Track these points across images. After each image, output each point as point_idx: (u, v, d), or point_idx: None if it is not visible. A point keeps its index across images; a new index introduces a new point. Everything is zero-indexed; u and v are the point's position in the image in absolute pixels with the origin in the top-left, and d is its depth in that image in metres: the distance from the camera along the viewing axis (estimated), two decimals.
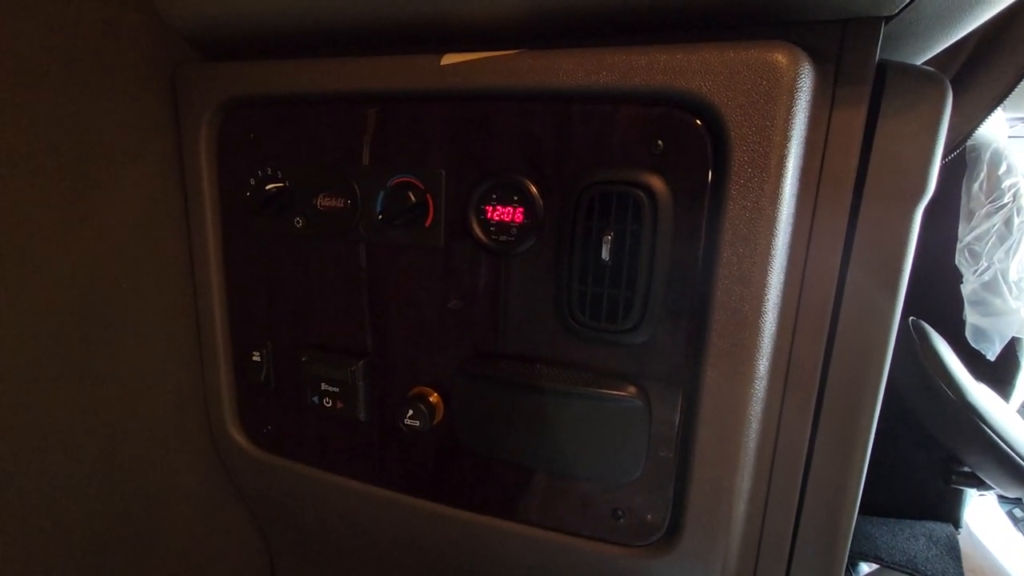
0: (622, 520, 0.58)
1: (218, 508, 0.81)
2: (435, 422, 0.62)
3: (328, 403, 0.67)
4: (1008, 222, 1.18)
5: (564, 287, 0.54)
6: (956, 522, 1.53)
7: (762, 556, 0.61)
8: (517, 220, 0.55)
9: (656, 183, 0.50)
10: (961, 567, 1.38)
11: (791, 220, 0.49)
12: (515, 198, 0.55)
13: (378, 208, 0.60)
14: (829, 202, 0.51)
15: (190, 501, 0.76)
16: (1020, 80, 0.56)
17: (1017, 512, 1.84)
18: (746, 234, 0.47)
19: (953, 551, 1.43)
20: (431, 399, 0.62)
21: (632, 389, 0.54)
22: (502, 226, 0.56)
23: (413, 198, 0.57)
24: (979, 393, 1.11)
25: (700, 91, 0.46)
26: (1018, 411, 1.37)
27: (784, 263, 0.50)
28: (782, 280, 0.50)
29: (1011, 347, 1.26)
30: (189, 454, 0.75)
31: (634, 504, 0.58)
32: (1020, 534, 1.62)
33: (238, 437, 0.75)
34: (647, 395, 0.54)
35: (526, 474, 0.62)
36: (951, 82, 0.52)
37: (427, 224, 0.59)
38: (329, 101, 0.61)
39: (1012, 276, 1.16)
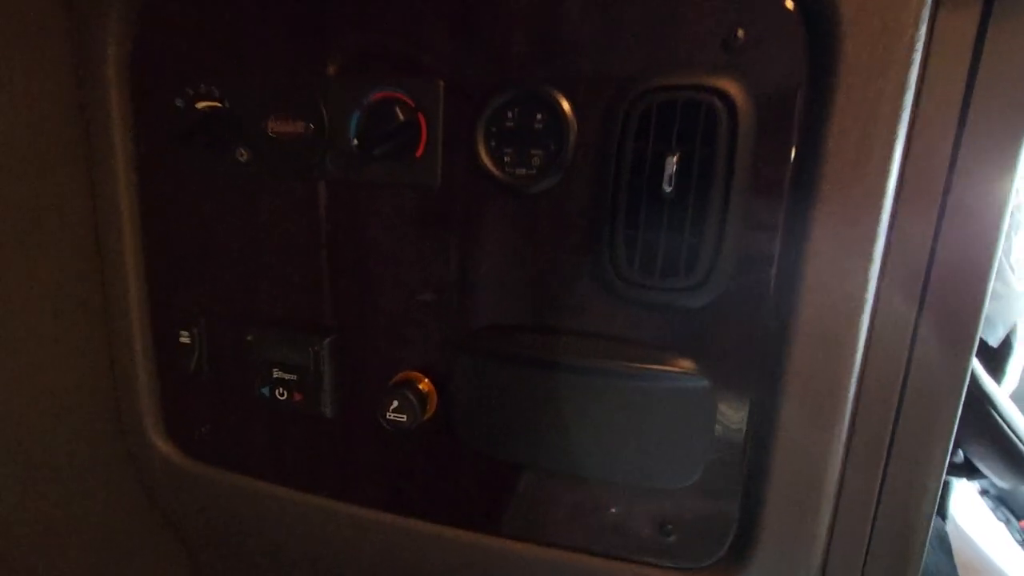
0: (672, 537, 0.46)
1: (136, 538, 0.63)
2: (426, 416, 0.48)
3: (282, 394, 0.51)
4: None
5: (605, 233, 0.41)
6: (943, 513, 1.50)
7: (831, 560, 0.50)
8: (540, 147, 0.42)
9: (735, 89, 0.37)
10: (953, 560, 1.34)
11: (904, 138, 0.38)
12: (539, 117, 0.42)
13: (351, 133, 0.45)
14: (929, 126, 0.40)
15: (96, 530, 0.58)
16: None
17: (988, 502, 1.85)
18: (856, 155, 0.36)
19: (944, 543, 1.40)
20: (421, 386, 0.48)
21: (691, 364, 0.42)
22: (521, 155, 0.42)
23: (402, 116, 0.43)
24: (986, 378, 1.06)
25: None
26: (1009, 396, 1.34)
27: (894, 196, 0.38)
28: (889, 223, 0.39)
29: (1007, 333, 1.22)
30: (95, 468, 0.57)
31: (688, 515, 0.45)
32: (1001, 524, 1.62)
33: (161, 443, 0.58)
34: (712, 373, 0.42)
35: (547, 481, 0.48)
36: None
37: (418, 154, 0.45)
38: None
39: (1014, 257, 1.12)
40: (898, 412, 0.44)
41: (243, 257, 0.51)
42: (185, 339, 0.54)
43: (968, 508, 1.64)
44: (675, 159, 0.38)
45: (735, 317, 0.41)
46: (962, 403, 0.45)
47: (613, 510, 0.47)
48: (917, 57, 0.35)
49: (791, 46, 0.36)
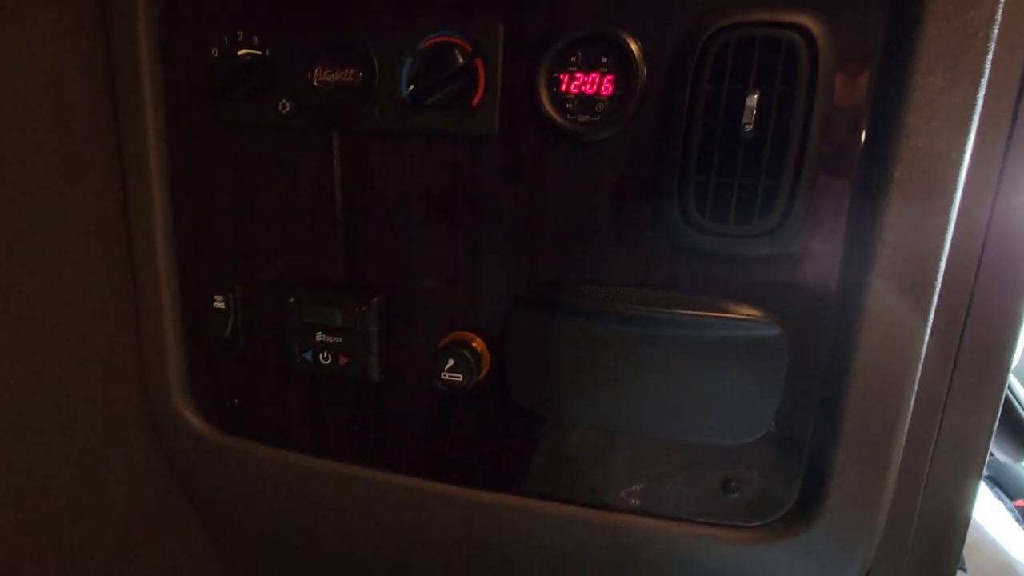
0: (736, 494, 0.45)
1: (161, 519, 0.60)
2: (480, 377, 0.46)
3: (326, 358, 0.49)
4: None
5: (675, 179, 0.40)
6: None
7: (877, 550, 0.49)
8: (605, 92, 0.41)
9: (815, 24, 0.36)
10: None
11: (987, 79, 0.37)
12: (604, 60, 0.40)
13: (404, 82, 0.43)
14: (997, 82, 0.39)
15: (122, 515, 0.55)
16: None
17: (983, 483, 1.89)
18: (942, 91, 0.35)
19: None
20: (475, 346, 0.46)
21: (761, 313, 0.41)
22: (584, 100, 0.41)
23: (460, 59, 0.41)
24: None
25: None
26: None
27: (973, 144, 0.38)
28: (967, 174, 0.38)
29: None
30: (120, 443, 0.55)
31: (754, 472, 0.44)
32: (1000, 503, 1.64)
33: (190, 416, 0.55)
34: (784, 322, 0.41)
35: (604, 441, 0.47)
36: None
37: (475, 102, 0.43)
38: None
39: None
40: (950, 385, 0.44)
41: (284, 217, 0.49)
42: (219, 304, 0.51)
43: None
44: (755, 98, 0.36)
45: (808, 266, 0.40)
46: (1007, 384, 0.44)
47: (676, 468, 0.45)
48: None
49: None
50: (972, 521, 1.64)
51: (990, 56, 0.35)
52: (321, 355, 0.49)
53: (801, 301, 0.40)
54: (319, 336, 0.48)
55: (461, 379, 0.44)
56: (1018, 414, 1.09)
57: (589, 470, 0.47)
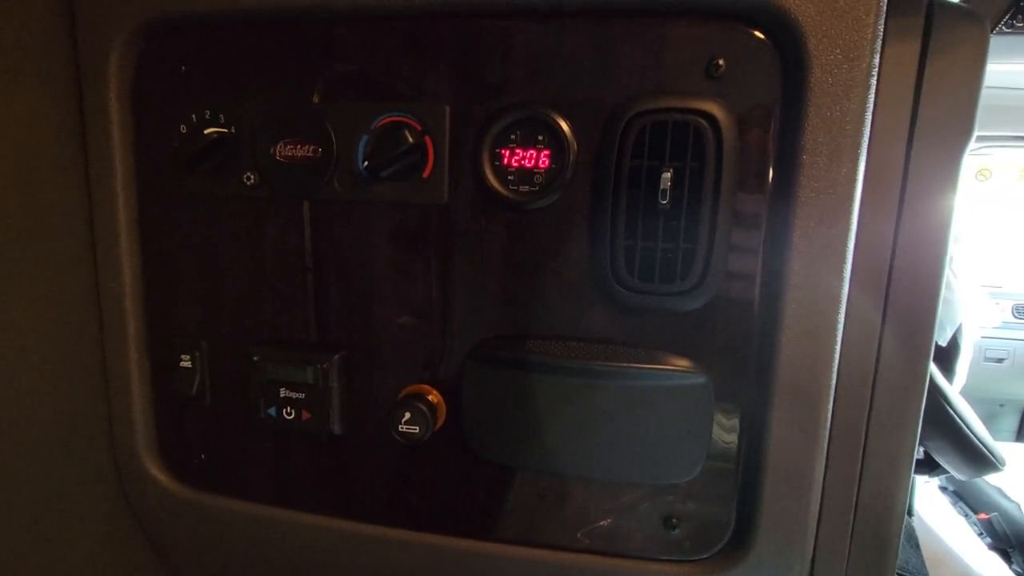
0: (677, 530, 0.48)
1: (127, 569, 0.61)
2: (436, 427, 0.49)
3: (290, 414, 0.51)
4: None
5: (606, 244, 0.44)
6: (909, 510, 1.57)
7: (818, 563, 0.53)
8: (542, 165, 0.45)
9: (718, 110, 0.41)
10: (921, 555, 1.40)
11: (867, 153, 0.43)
12: (540, 138, 0.45)
13: (360, 157, 0.47)
14: (883, 143, 0.45)
15: (86, 567, 0.56)
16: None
17: (947, 498, 1.95)
18: (827, 165, 0.40)
19: (912, 539, 1.46)
20: (430, 398, 0.49)
21: (690, 363, 0.45)
22: (524, 173, 0.45)
23: (410, 139, 0.45)
24: (940, 377, 1.14)
25: None
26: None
27: (859, 205, 0.43)
28: (858, 226, 0.43)
29: (952, 333, 1.32)
30: (88, 499, 0.55)
31: (692, 508, 0.48)
32: (962, 518, 1.70)
33: (156, 472, 0.57)
34: (709, 370, 0.45)
35: (553, 484, 0.50)
36: None
37: (425, 175, 0.47)
38: (289, 18, 0.48)
39: (955, 264, 1.22)
40: (871, 407, 0.49)
41: (247, 279, 0.52)
42: (186, 363, 0.54)
43: (931, 504, 1.73)
44: (669, 174, 0.41)
45: (728, 317, 0.44)
46: (925, 395, 0.49)
47: (621, 508, 0.49)
48: (874, 82, 0.40)
49: (766, 72, 0.41)
50: (935, 536, 1.68)
51: (865, 138, 0.40)
52: (285, 411, 0.51)
53: (724, 349, 0.45)
54: (282, 392, 0.51)
55: (417, 431, 0.47)
56: (965, 435, 1.16)
57: (542, 513, 0.50)
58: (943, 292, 1.28)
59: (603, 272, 0.45)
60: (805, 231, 0.41)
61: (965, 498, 2.04)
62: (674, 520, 0.48)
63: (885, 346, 0.48)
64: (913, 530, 1.48)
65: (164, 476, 0.57)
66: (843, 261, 0.41)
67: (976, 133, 0.47)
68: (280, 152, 0.49)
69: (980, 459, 1.23)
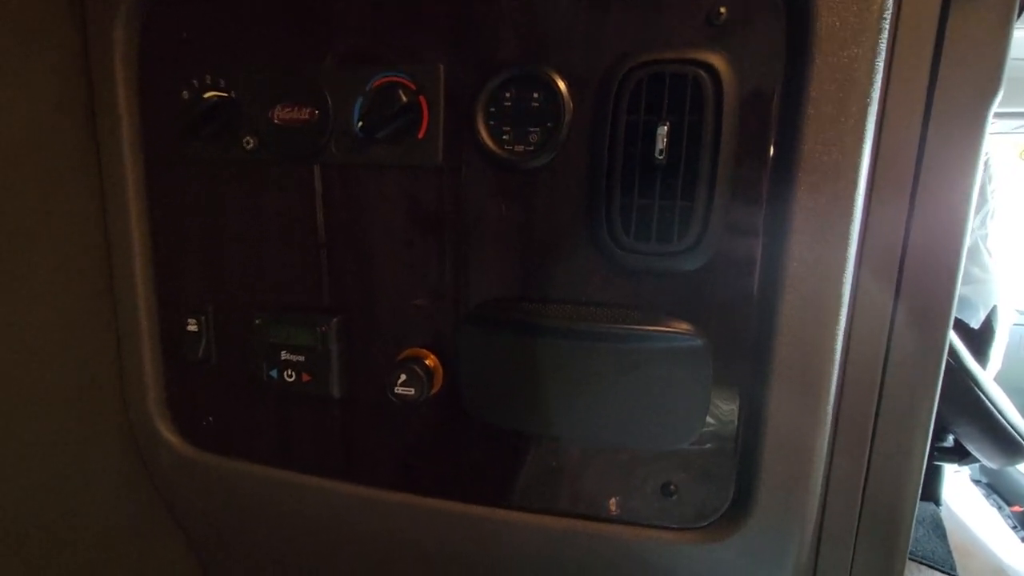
0: (675, 497, 0.47)
1: (144, 530, 0.63)
2: (433, 391, 0.49)
3: (291, 376, 0.52)
4: (982, 189, 1.19)
5: (601, 202, 0.43)
6: (936, 500, 1.52)
7: (824, 540, 0.51)
8: (538, 124, 0.44)
9: (719, 61, 0.40)
10: (948, 545, 1.36)
11: (876, 109, 0.41)
12: (535, 95, 0.44)
13: (356, 118, 0.47)
14: (901, 95, 0.43)
15: (103, 523, 0.58)
16: None
17: (981, 490, 1.88)
18: (835, 116, 0.38)
19: (938, 529, 1.42)
20: (427, 362, 0.49)
21: (688, 326, 0.44)
22: (519, 132, 0.45)
23: (404, 99, 0.45)
24: (972, 360, 1.09)
25: None
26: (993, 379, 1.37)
27: (870, 159, 0.41)
28: (867, 183, 0.41)
29: (986, 316, 1.26)
30: (100, 459, 0.58)
31: (690, 475, 0.47)
32: (994, 510, 1.64)
33: (168, 433, 0.58)
34: (707, 333, 0.44)
35: (550, 449, 0.49)
36: None
37: (420, 135, 0.47)
38: None
39: (990, 243, 1.16)
40: (882, 380, 0.47)
41: (250, 244, 0.53)
42: (192, 327, 0.55)
43: (961, 495, 1.67)
44: (666, 128, 0.40)
45: (727, 279, 0.43)
46: (942, 372, 0.47)
47: (620, 474, 0.48)
48: (887, 25, 0.38)
49: (770, 18, 0.39)
50: (964, 527, 1.63)
51: (877, 88, 0.38)
52: (286, 373, 0.52)
53: (723, 313, 0.44)
54: (284, 355, 0.52)
55: (413, 392, 0.47)
56: (996, 420, 1.11)
57: (540, 478, 0.50)
58: (975, 272, 1.23)
59: (599, 232, 0.44)
60: (809, 187, 0.39)
61: (999, 490, 1.96)
62: (672, 487, 0.47)
63: (899, 313, 0.46)
64: (940, 520, 1.43)
65: (175, 437, 0.59)
66: (849, 221, 0.39)
67: (1002, 91, 0.44)
68: (278, 116, 0.49)
69: (1013, 446, 1.18)
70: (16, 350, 0.49)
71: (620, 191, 0.42)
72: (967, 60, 0.42)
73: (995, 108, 0.44)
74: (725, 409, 0.45)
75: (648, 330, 0.44)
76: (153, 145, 0.53)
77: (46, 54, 0.50)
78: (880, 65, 0.38)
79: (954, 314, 0.47)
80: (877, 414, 0.47)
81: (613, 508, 0.49)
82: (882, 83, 0.42)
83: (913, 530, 1.58)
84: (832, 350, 0.42)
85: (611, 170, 0.42)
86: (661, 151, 0.40)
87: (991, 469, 1.84)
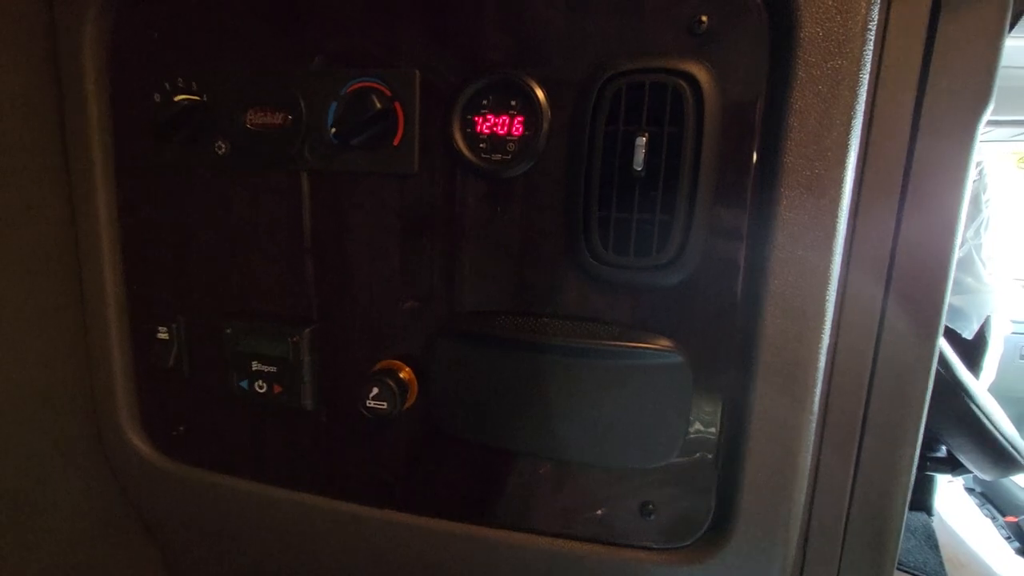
0: (653, 516, 0.46)
1: (113, 539, 0.62)
2: (407, 405, 0.48)
3: (261, 387, 0.51)
4: (976, 199, 1.18)
5: (579, 215, 0.42)
6: (929, 510, 1.51)
7: (809, 557, 0.50)
8: (516, 132, 0.43)
9: (700, 71, 0.39)
10: (940, 556, 1.35)
11: (862, 121, 0.39)
12: (513, 103, 0.43)
13: (329, 124, 0.46)
14: (889, 107, 0.42)
15: (72, 536, 0.57)
16: None
17: (975, 500, 1.87)
18: (818, 129, 0.37)
19: (931, 540, 1.41)
20: (401, 375, 0.48)
21: (667, 342, 0.43)
22: (496, 141, 0.43)
23: (378, 104, 0.44)
24: (965, 371, 1.08)
25: None
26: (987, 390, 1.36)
27: (855, 173, 0.40)
28: (851, 195, 0.40)
29: (980, 327, 1.25)
30: (70, 469, 0.56)
31: (669, 494, 0.45)
32: (987, 520, 1.63)
33: (138, 443, 0.57)
34: (687, 350, 0.42)
35: (526, 465, 0.48)
36: None
37: (395, 143, 0.45)
38: None
39: (985, 253, 1.15)
40: (869, 392, 0.45)
41: (221, 252, 0.51)
42: (163, 335, 0.53)
43: (955, 505, 1.66)
44: (645, 139, 0.39)
45: (707, 294, 0.42)
46: (931, 383, 0.46)
47: (597, 493, 0.47)
48: (871, 37, 0.37)
49: (753, 28, 0.38)
50: (957, 537, 1.62)
51: (861, 100, 0.37)
52: (257, 384, 0.50)
53: (704, 329, 0.42)
54: (255, 365, 0.50)
55: (385, 407, 0.46)
56: (989, 433, 1.10)
57: (515, 495, 0.49)
58: (969, 282, 1.22)
59: (577, 244, 0.42)
60: (791, 202, 0.38)
61: (993, 500, 1.95)
62: (650, 506, 0.46)
63: (887, 327, 0.45)
64: (933, 531, 1.43)
65: (146, 447, 0.57)
66: (832, 237, 0.38)
67: (993, 103, 0.43)
68: (251, 120, 0.47)
69: (1005, 458, 1.17)
70: None
71: (598, 203, 0.41)
72: (957, 71, 0.41)
73: (987, 118, 0.43)
74: (705, 426, 0.44)
75: (627, 346, 0.42)
76: (123, 149, 0.52)
77: (13, 55, 0.48)
78: (865, 77, 0.37)
79: (943, 325, 0.46)
80: (864, 427, 0.46)
81: (590, 527, 0.47)
82: (869, 95, 0.41)
83: (905, 540, 1.57)
84: (816, 363, 0.41)
85: (589, 181, 0.41)
86: (639, 164, 0.39)
87: (985, 481, 1.83)
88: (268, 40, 0.47)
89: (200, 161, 0.49)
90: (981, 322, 1.17)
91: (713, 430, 0.44)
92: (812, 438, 0.42)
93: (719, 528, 0.45)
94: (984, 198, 1.17)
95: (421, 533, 0.51)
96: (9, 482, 0.51)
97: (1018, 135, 2.32)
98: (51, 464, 0.54)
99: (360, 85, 0.45)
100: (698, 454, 0.44)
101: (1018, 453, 1.16)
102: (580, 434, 0.45)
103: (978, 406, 1.07)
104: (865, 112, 0.42)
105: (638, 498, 0.46)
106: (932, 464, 1.39)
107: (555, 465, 0.47)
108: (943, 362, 1.03)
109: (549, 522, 0.48)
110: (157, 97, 0.49)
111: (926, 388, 0.45)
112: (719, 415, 0.43)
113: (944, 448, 1.35)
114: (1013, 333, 1.51)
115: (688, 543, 0.46)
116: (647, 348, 0.42)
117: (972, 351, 1.32)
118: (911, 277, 0.44)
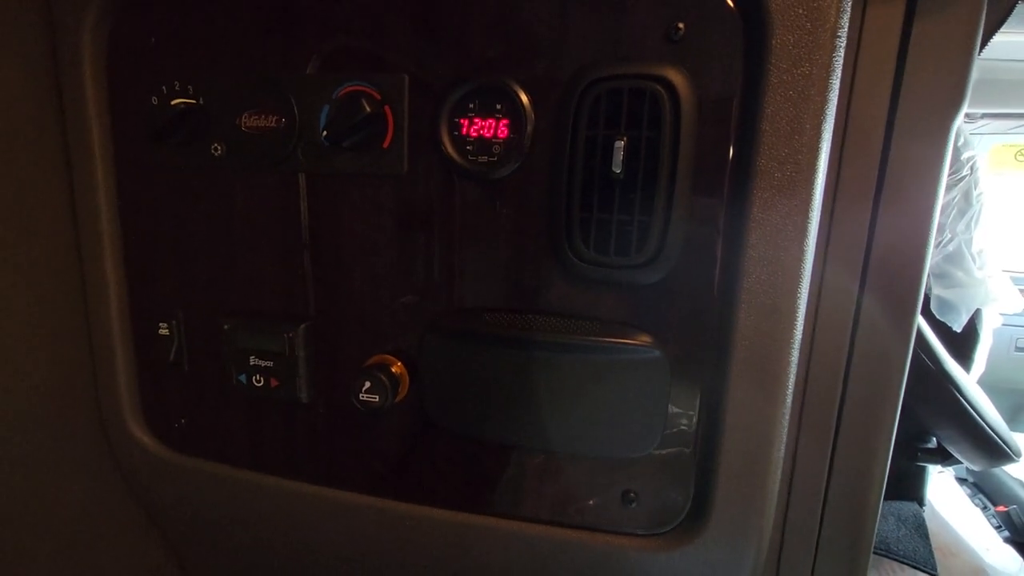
0: (635, 504, 0.48)
1: (117, 528, 0.64)
2: (399, 398, 0.50)
3: (259, 381, 0.52)
4: (967, 194, 1.19)
5: (561, 215, 0.43)
6: (920, 500, 1.53)
7: (787, 542, 0.52)
8: (501, 135, 0.44)
9: (676, 76, 0.40)
10: (930, 545, 1.37)
11: (838, 123, 0.41)
12: (498, 107, 0.44)
13: (321, 126, 0.47)
14: (864, 112, 0.43)
15: (77, 524, 0.59)
16: None
17: (966, 490, 1.89)
18: (789, 132, 0.38)
19: (921, 529, 1.43)
20: (393, 369, 0.50)
21: (647, 338, 0.44)
22: (482, 143, 0.45)
23: (368, 108, 0.45)
24: (953, 365, 1.10)
25: None
26: (977, 382, 1.38)
27: (829, 174, 0.42)
28: (822, 196, 0.42)
29: (971, 319, 1.27)
30: (75, 460, 0.58)
31: (649, 483, 0.47)
32: (978, 510, 1.65)
33: (141, 435, 0.59)
34: (665, 345, 0.44)
35: (512, 455, 0.50)
36: None
37: (385, 145, 0.47)
38: None
39: (975, 247, 1.16)
40: (845, 384, 0.47)
41: (219, 250, 0.53)
42: (164, 331, 0.55)
43: (946, 495, 1.68)
44: (623, 143, 0.40)
45: (685, 292, 0.43)
46: (906, 376, 0.48)
47: (581, 481, 0.49)
48: (841, 44, 0.38)
49: (728, 35, 0.39)
50: (947, 526, 1.64)
51: (831, 104, 0.38)
52: (254, 378, 0.52)
53: (682, 324, 0.44)
54: (252, 360, 0.52)
55: (377, 400, 0.48)
56: (977, 424, 1.12)
57: (504, 483, 0.51)
58: (959, 276, 1.22)
59: (561, 243, 0.44)
60: (764, 203, 0.40)
61: (984, 489, 1.97)
62: (632, 494, 0.48)
63: (863, 325, 0.47)
64: (923, 520, 1.45)
65: (148, 439, 0.59)
66: (804, 234, 0.40)
67: (967, 103, 0.45)
68: (245, 123, 0.49)
69: (994, 449, 1.19)
70: None
71: (580, 204, 0.43)
72: (931, 74, 0.43)
73: (960, 120, 0.45)
74: (684, 418, 0.46)
75: (608, 342, 0.44)
76: (123, 151, 0.53)
77: (14, 60, 0.50)
78: (835, 83, 0.38)
79: (918, 321, 0.48)
80: (840, 418, 0.48)
81: (575, 515, 0.49)
82: (844, 97, 0.42)
83: (895, 529, 1.58)
84: (789, 357, 0.42)
85: (571, 183, 0.43)
86: (619, 165, 0.40)
87: (975, 469, 1.85)
88: (262, 45, 0.48)
89: (197, 163, 0.51)
90: (970, 315, 1.19)
91: (691, 423, 0.46)
92: (786, 429, 0.44)
93: (697, 516, 0.47)
94: (975, 192, 1.18)
95: (413, 520, 0.54)
96: (18, 475, 0.53)
97: (1017, 127, 2.31)
98: (58, 457, 0.56)
99: (351, 89, 0.47)
100: (677, 445, 0.46)
101: (1006, 444, 1.18)
102: (563, 426, 0.47)
103: (966, 398, 1.09)
104: (840, 114, 0.43)
105: (620, 487, 0.48)
106: (923, 455, 1.41)
107: (542, 456, 0.49)
108: (932, 355, 1.04)
109: (536, 510, 0.50)
110: (155, 100, 0.51)
111: (901, 380, 0.47)
112: (697, 408, 0.45)
113: (935, 439, 1.37)
114: (1005, 325, 1.52)
115: (668, 530, 0.48)
116: (626, 343, 0.44)
117: (962, 344, 1.33)
118: (887, 275, 0.46)
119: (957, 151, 1.20)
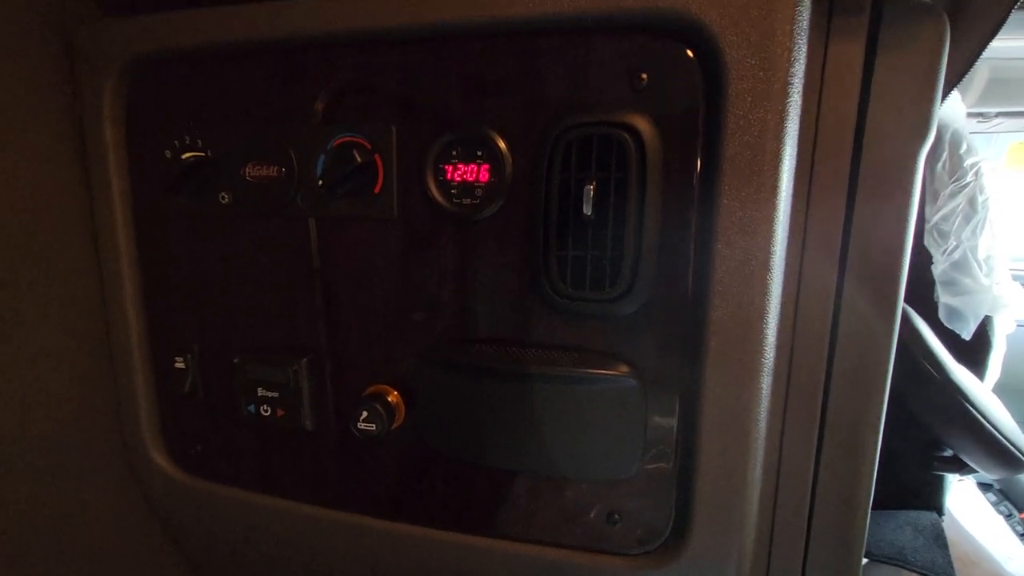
0: (619, 525, 0.50)
1: (140, 549, 0.68)
2: (395, 425, 0.53)
3: (267, 411, 0.56)
4: (972, 201, 1.18)
5: (540, 253, 0.46)
6: (939, 509, 1.51)
7: (774, 558, 0.54)
8: (482, 179, 0.48)
9: (641, 123, 0.43)
10: (949, 555, 1.35)
11: (794, 159, 0.43)
12: (479, 154, 0.47)
13: (318, 174, 0.51)
14: (830, 146, 0.45)
15: (103, 544, 0.63)
16: (1014, 4, 0.53)
17: (991, 497, 1.85)
18: (748, 174, 0.41)
19: (939, 539, 1.41)
20: (389, 399, 0.53)
21: (624, 367, 0.47)
22: (465, 187, 0.48)
23: (359, 158, 0.49)
24: (961, 373, 1.09)
25: (688, 10, 0.40)
26: (992, 390, 1.36)
27: (788, 210, 0.44)
28: (787, 229, 0.44)
29: (982, 326, 1.25)
30: (100, 484, 0.63)
31: (632, 504, 0.50)
32: (1000, 518, 1.62)
33: (160, 460, 0.63)
34: (642, 374, 0.47)
35: (504, 479, 0.53)
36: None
37: (376, 190, 0.50)
38: (253, 52, 0.52)
39: (981, 254, 1.16)
40: (826, 392, 0.49)
41: (229, 289, 0.57)
42: (180, 364, 0.59)
43: (968, 503, 1.65)
44: (592, 186, 0.43)
45: (660, 321, 0.46)
46: (889, 376, 0.48)
47: (568, 503, 0.51)
48: (795, 90, 0.40)
49: (688, 83, 0.42)
50: (968, 536, 1.61)
51: (788, 147, 0.41)
52: (262, 408, 0.56)
53: (655, 355, 0.46)
54: (260, 392, 0.56)
55: (374, 428, 0.51)
56: (988, 433, 1.10)
57: (494, 505, 0.53)
58: (966, 283, 1.21)
59: (539, 280, 0.47)
60: (727, 241, 0.42)
61: (1010, 496, 1.93)
62: (616, 515, 0.50)
63: (840, 350, 0.48)
64: (942, 530, 1.42)
65: (168, 464, 0.63)
66: (767, 269, 0.42)
67: (934, 130, 0.46)
68: (249, 173, 0.53)
69: (1009, 458, 1.17)
70: (24, 384, 0.55)
71: (556, 243, 0.46)
72: (894, 109, 0.44)
73: (925, 152, 0.46)
74: (663, 440, 0.48)
75: (587, 373, 0.47)
76: (140, 200, 0.58)
77: (43, 124, 0.55)
78: (791, 127, 0.41)
79: (898, 326, 0.48)
80: (823, 423, 0.49)
81: (564, 535, 0.52)
82: (810, 136, 0.44)
83: (913, 539, 1.56)
84: (759, 384, 0.44)
85: (547, 223, 0.45)
86: (588, 207, 0.43)
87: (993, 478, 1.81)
88: (262, 101, 0.52)
89: (206, 210, 0.55)
90: (978, 323, 1.18)
91: (671, 444, 0.48)
92: (761, 450, 0.46)
93: (679, 535, 0.49)
94: (981, 198, 1.17)
95: (416, 541, 0.56)
96: (49, 500, 0.58)
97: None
98: (85, 482, 0.61)
99: (343, 140, 0.50)
100: (656, 467, 0.48)
101: (1021, 452, 1.16)
102: (547, 451, 0.49)
103: (976, 407, 1.08)
104: (806, 152, 0.45)
105: (606, 508, 0.50)
106: (939, 464, 1.39)
107: (533, 480, 0.52)
108: (936, 364, 1.04)
109: (528, 530, 0.53)
110: (168, 154, 0.55)
111: (885, 381, 0.48)
112: (675, 431, 0.47)
113: (950, 448, 1.35)
114: (1019, 326, 1.49)
115: (652, 548, 0.50)
116: (604, 374, 0.46)
117: (974, 352, 1.31)
118: (858, 310, 0.47)
119: (959, 158, 1.19)
